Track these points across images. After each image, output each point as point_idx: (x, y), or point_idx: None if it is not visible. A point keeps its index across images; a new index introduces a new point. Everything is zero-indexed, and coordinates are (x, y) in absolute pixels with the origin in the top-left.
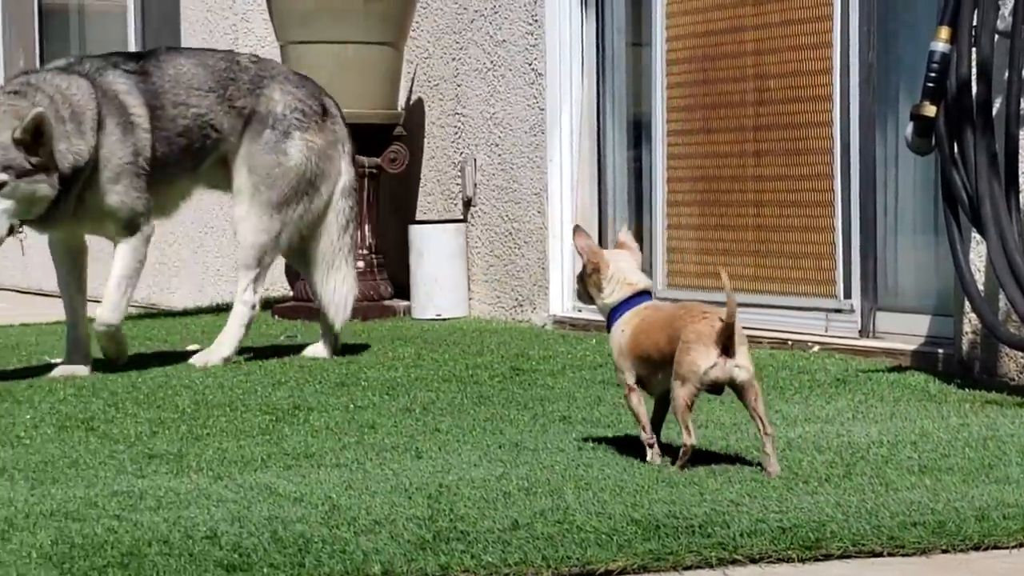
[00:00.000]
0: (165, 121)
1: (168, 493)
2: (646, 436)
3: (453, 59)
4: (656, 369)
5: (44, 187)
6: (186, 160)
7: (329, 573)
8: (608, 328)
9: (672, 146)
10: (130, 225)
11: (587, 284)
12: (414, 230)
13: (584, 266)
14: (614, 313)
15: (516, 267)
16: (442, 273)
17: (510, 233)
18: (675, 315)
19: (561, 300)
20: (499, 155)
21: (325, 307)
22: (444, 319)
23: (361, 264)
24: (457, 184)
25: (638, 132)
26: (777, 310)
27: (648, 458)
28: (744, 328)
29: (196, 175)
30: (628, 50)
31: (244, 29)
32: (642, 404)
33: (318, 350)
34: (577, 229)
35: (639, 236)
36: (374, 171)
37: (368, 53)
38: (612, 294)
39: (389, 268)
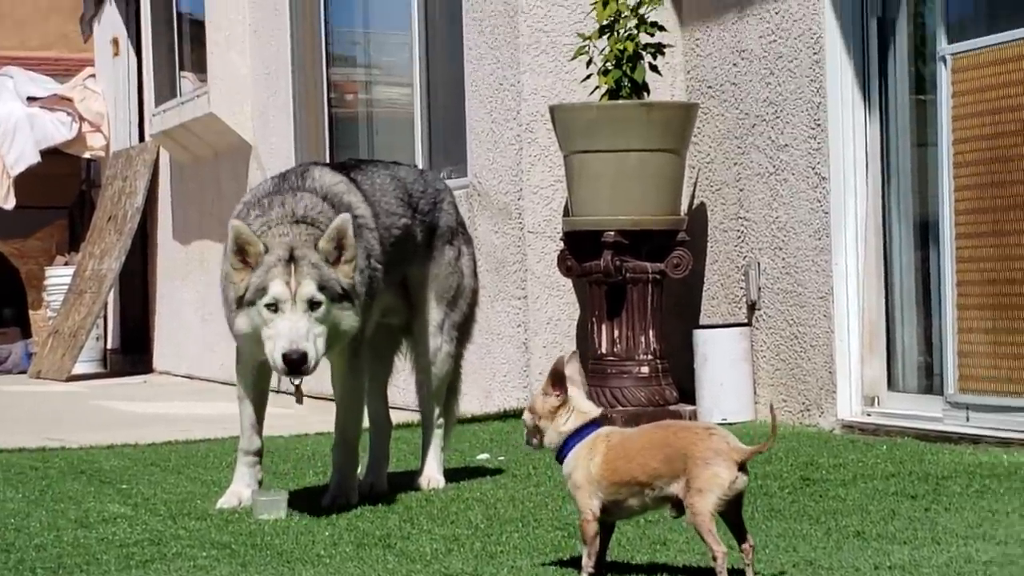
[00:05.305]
0: (382, 231)
1: None
2: (590, 564)
3: (735, 164)
4: (635, 493)
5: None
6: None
7: None
8: (560, 458)
9: (961, 249)
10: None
11: (540, 414)
12: (699, 334)
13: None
14: (568, 442)
15: (802, 371)
16: (727, 377)
17: (795, 336)
18: (668, 436)
19: (849, 404)
20: (783, 258)
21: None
22: (731, 423)
23: (646, 369)
24: (741, 288)
25: (925, 234)
26: None
27: None
28: None
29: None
30: (913, 151)
31: (528, 139)
32: (598, 535)
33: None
34: (573, 354)
35: (927, 338)
36: (657, 276)
37: (650, 160)
38: (567, 423)
39: (674, 373)
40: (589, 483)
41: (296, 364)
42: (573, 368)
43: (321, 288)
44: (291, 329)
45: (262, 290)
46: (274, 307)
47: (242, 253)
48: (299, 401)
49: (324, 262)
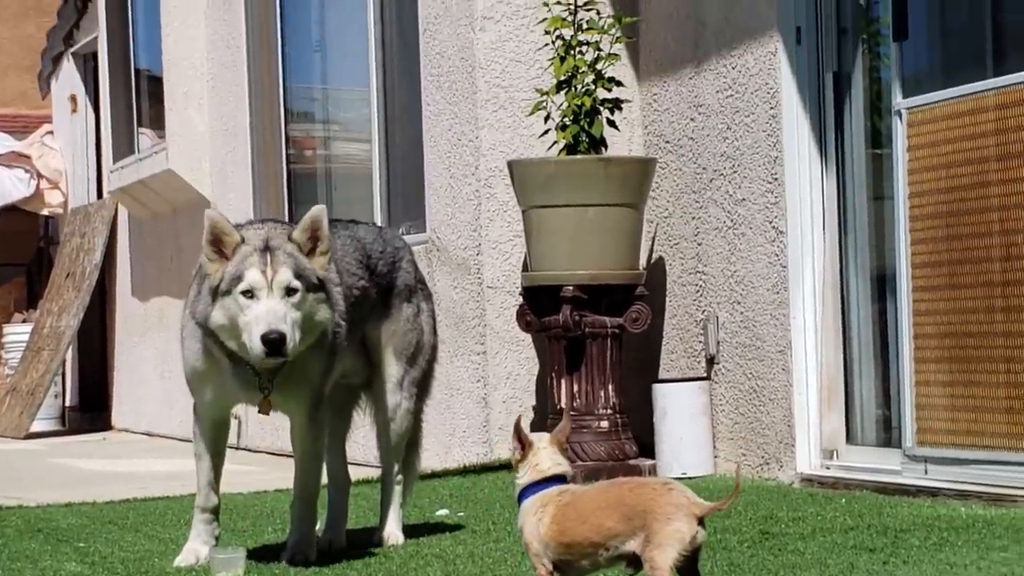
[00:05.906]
0: (345, 289)
1: None
2: None
3: (693, 218)
4: (587, 554)
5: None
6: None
7: None
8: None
9: (918, 302)
10: None
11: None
12: (658, 388)
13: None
14: (521, 496)
15: (761, 424)
16: (687, 431)
17: (754, 390)
18: (623, 493)
19: (808, 457)
20: (741, 312)
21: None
22: (690, 478)
23: (605, 424)
24: (700, 342)
25: (882, 287)
26: None
27: None
28: (998, 486)
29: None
30: (869, 204)
31: (486, 194)
32: None
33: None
34: (520, 418)
35: (885, 391)
36: (616, 331)
37: (608, 214)
38: (522, 477)
39: (633, 427)
40: (537, 541)
41: (276, 344)
42: (562, 425)
43: (297, 276)
44: (268, 312)
45: (238, 278)
46: (250, 294)
47: (218, 243)
48: (266, 412)
49: (299, 252)
